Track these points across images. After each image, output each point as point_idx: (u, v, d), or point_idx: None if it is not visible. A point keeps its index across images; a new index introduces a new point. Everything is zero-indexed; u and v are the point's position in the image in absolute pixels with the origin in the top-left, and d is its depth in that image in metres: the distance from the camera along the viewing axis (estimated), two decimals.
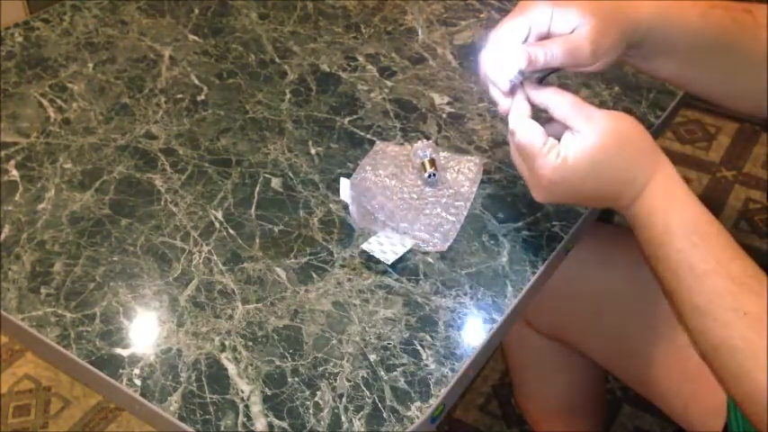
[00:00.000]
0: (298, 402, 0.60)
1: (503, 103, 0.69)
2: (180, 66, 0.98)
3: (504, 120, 0.69)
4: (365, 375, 0.62)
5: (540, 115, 0.67)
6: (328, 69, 0.98)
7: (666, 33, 0.71)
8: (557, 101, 0.66)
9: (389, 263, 0.69)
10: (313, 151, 0.85)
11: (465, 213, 0.76)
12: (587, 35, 0.66)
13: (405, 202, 0.77)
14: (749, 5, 0.76)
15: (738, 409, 0.79)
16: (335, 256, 0.72)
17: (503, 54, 0.66)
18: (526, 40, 0.67)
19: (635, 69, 0.75)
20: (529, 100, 0.68)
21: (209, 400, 0.61)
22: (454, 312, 0.67)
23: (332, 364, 0.63)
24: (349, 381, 0.62)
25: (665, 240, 0.64)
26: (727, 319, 0.60)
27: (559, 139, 0.65)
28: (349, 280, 0.70)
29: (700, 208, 0.64)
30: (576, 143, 0.64)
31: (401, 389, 0.61)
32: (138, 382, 0.62)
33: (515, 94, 0.68)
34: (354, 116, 0.90)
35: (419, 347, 0.64)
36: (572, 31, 0.66)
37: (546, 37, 0.67)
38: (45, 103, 0.92)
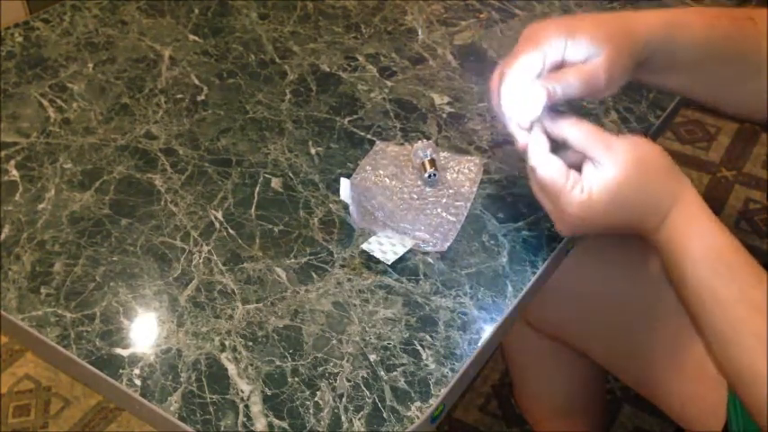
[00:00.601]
0: (298, 402, 0.60)
1: (522, 138, 0.68)
2: (180, 66, 0.98)
3: (522, 153, 0.68)
4: (365, 375, 0.62)
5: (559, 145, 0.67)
6: (328, 69, 0.98)
7: (673, 47, 0.71)
8: (574, 133, 0.66)
9: (389, 263, 0.69)
10: (313, 151, 0.85)
11: (465, 213, 0.76)
12: (602, 64, 0.66)
13: (405, 202, 0.77)
14: (751, 12, 0.76)
15: (739, 409, 0.79)
16: (335, 256, 0.72)
17: (522, 92, 0.65)
18: (541, 71, 0.67)
19: (642, 83, 0.76)
20: (547, 133, 0.67)
21: (209, 400, 0.61)
22: (454, 312, 0.67)
23: (332, 364, 0.63)
24: (349, 381, 0.62)
25: (689, 268, 0.64)
26: (749, 345, 0.60)
27: (579, 169, 0.65)
28: (349, 280, 0.70)
29: (723, 234, 0.64)
30: (598, 176, 0.64)
31: (401, 389, 0.61)
32: (138, 382, 0.62)
33: (533, 128, 0.67)
34: (354, 116, 0.90)
35: (419, 347, 0.64)
36: (585, 60, 0.66)
37: (560, 66, 0.67)
38: (45, 103, 0.92)
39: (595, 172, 0.64)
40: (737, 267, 0.63)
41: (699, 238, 0.64)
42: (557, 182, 0.65)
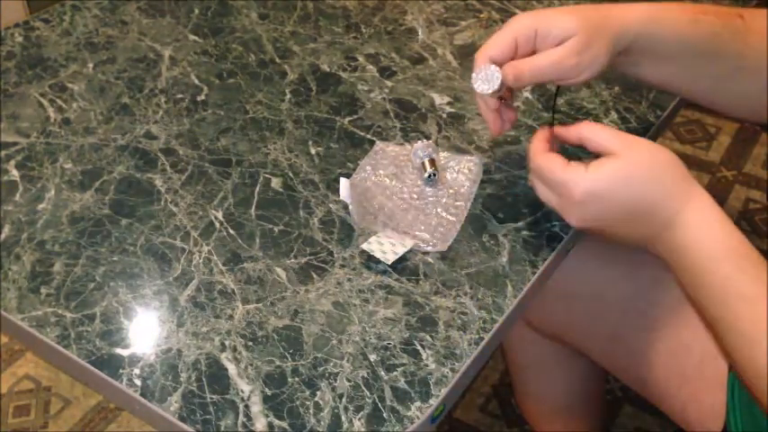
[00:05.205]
0: (298, 402, 0.60)
1: (491, 119, 0.72)
2: (180, 66, 0.98)
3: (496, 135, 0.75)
4: (365, 375, 0.62)
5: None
6: (328, 69, 0.98)
7: (655, 39, 0.71)
8: (595, 128, 0.66)
9: (389, 263, 0.69)
10: (313, 151, 0.85)
11: (465, 213, 0.76)
12: (571, 48, 0.68)
13: (405, 202, 0.77)
14: (741, 10, 0.76)
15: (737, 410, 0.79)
16: (335, 256, 0.72)
17: (490, 71, 0.69)
18: (515, 56, 0.70)
19: (626, 76, 0.77)
20: (553, 143, 0.69)
21: (209, 400, 0.61)
22: (454, 312, 0.67)
23: (332, 364, 0.63)
24: (349, 381, 0.62)
25: (710, 267, 0.62)
26: None
27: None
28: (349, 280, 0.70)
29: (741, 234, 0.62)
30: (612, 160, 0.64)
31: (401, 389, 0.61)
32: (138, 382, 0.62)
33: (502, 108, 0.72)
34: (354, 116, 0.90)
35: (419, 347, 0.64)
36: (558, 44, 0.68)
37: (533, 52, 0.70)
38: (45, 103, 0.92)
39: (610, 158, 0.64)
40: (760, 265, 0.61)
41: (719, 238, 0.62)
42: (557, 170, 0.65)
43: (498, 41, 0.70)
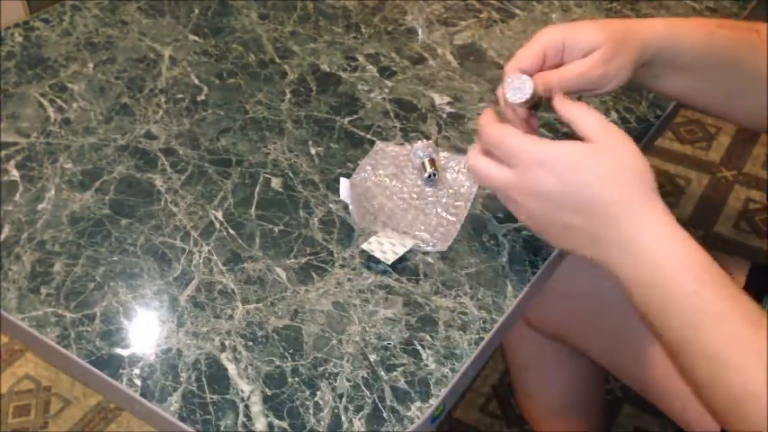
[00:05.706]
0: (298, 402, 0.60)
1: (520, 129, 0.70)
2: (180, 66, 0.98)
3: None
4: (365, 375, 0.62)
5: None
6: (328, 69, 0.98)
7: (675, 52, 0.73)
8: (579, 114, 0.64)
9: (389, 263, 0.69)
10: (313, 151, 0.85)
11: (465, 213, 0.76)
12: (598, 60, 0.69)
13: (405, 202, 0.77)
14: (756, 24, 0.79)
15: None
16: (335, 256, 0.72)
17: (521, 81, 0.69)
18: (542, 66, 0.71)
19: (646, 89, 0.78)
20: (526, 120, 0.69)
21: (209, 400, 0.61)
22: (454, 312, 0.67)
23: (332, 364, 0.63)
24: (349, 381, 0.62)
25: (676, 285, 0.58)
26: (749, 364, 0.55)
27: None
28: (349, 280, 0.70)
29: (705, 253, 0.59)
30: (585, 143, 0.62)
31: (401, 389, 0.61)
32: (138, 382, 0.62)
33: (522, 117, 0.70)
34: (354, 116, 0.90)
35: (419, 347, 0.64)
36: (584, 56, 0.70)
37: (560, 64, 0.71)
38: (45, 103, 0.92)
39: (584, 142, 0.62)
40: (726, 279, 0.58)
41: (688, 253, 0.59)
42: (514, 137, 0.63)
43: (527, 53, 0.71)
